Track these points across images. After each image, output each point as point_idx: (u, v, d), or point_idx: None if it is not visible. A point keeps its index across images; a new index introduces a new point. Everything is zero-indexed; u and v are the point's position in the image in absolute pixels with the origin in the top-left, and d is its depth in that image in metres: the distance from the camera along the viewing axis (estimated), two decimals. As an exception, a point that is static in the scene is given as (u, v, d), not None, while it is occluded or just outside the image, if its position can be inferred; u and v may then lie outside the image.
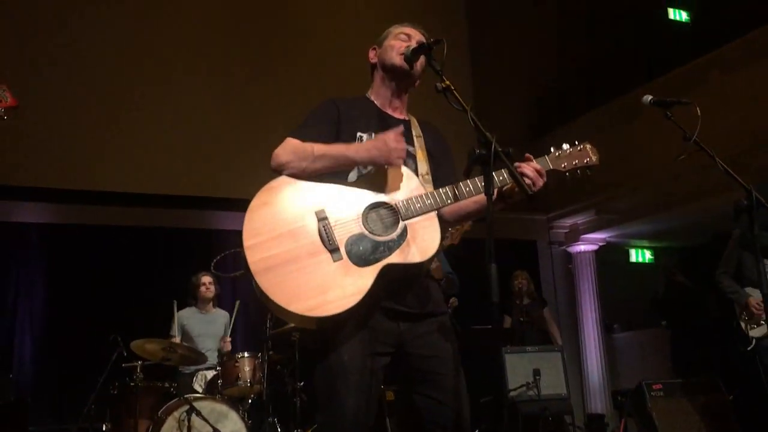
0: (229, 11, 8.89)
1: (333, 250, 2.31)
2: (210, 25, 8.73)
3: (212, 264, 5.96)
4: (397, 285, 2.39)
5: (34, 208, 8.00)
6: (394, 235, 2.35)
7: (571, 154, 2.56)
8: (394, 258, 2.32)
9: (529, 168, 2.42)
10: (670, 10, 12.69)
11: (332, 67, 8.47)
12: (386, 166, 2.44)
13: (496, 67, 10.33)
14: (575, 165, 2.56)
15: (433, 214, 2.41)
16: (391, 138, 2.39)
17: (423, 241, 2.36)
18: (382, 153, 2.38)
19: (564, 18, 11.01)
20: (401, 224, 2.36)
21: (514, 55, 10.52)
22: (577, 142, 2.59)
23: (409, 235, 2.35)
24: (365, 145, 2.42)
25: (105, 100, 7.99)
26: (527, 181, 2.37)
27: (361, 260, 2.31)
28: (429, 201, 2.39)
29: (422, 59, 2.53)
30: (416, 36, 2.63)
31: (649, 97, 3.22)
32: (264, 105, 8.56)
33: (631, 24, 11.25)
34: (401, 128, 2.45)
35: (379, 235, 2.34)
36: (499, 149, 2.13)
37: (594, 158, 2.58)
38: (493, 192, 2.22)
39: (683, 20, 12.78)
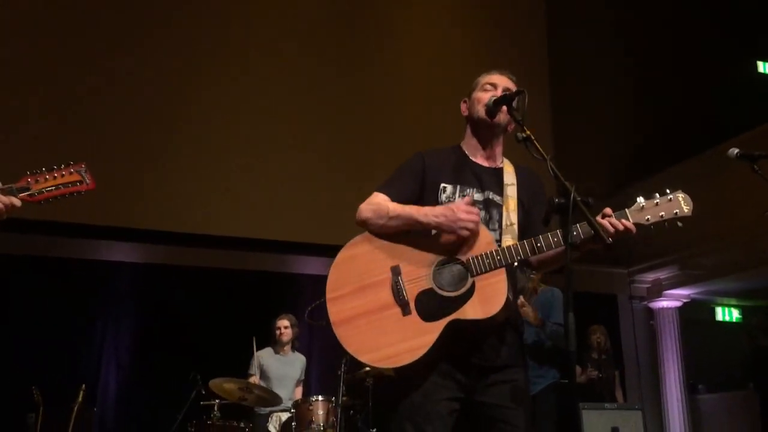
0: (323, 64, 9.09)
1: (403, 304, 2.42)
2: (304, 77, 8.96)
3: (306, 312, 6.09)
4: (469, 336, 2.42)
5: (122, 248, 8.32)
6: (461, 291, 2.40)
7: (658, 205, 2.39)
8: (459, 314, 2.38)
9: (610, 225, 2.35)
10: (760, 64, 12.41)
11: (419, 122, 8.57)
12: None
13: (578, 119, 10.27)
14: (662, 218, 2.38)
15: (502, 270, 2.42)
16: (462, 209, 2.42)
17: (488, 297, 2.39)
18: (449, 220, 2.42)
19: (649, 69, 10.90)
20: (470, 280, 2.41)
21: (597, 107, 10.44)
22: (668, 191, 2.41)
23: (476, 292, 2.39)
24: (435, 211, 2.46)
25: (195, 147, 8.29)
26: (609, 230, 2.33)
27: (428, 315, 2.39)
28: (498, 257, 2.41)
29: (505, 109, 2.56)
30: (502, 83, 2.67)
31: (735, 150, 3.16)
32: (350, 154, 8.72)
33: (719, 77, 11.05)
34: (470, 198, 2.49)
35: (447, 291, 2.41)
36: (578, 198, 2.14)
37: (686, 209, 2.38)
38: (572, 243, 2.22)
39: (774, 74, 12.49)
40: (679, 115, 10.62)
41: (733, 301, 11.28)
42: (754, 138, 8.29)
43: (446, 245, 2.47)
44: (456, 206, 2.43)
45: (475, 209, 2.45)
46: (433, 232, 2.52)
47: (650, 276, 10.40)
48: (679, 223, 2.40)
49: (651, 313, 10.54)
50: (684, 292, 10.31)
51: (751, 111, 9.69)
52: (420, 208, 2.51)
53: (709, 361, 10.43)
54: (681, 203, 2.39)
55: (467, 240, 2.45)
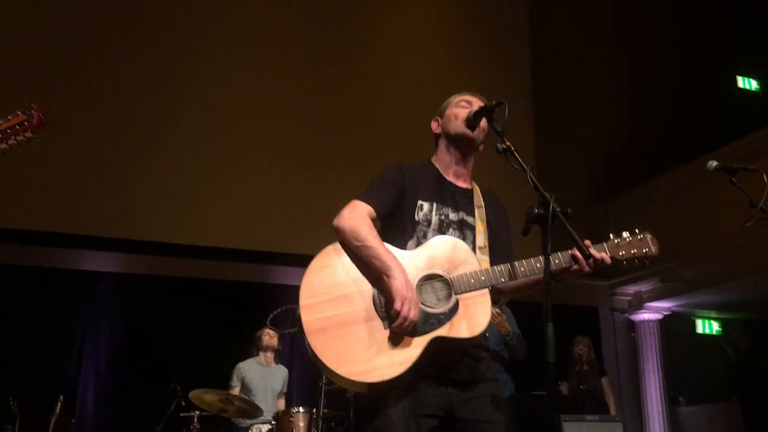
0: (302, 70, 9.10)
1: (384, 317, 2.34)
2: (283, 84, 8.95)
3: (269, 319, 6.05)
4: (447, 354, 2.39)
5: (102, 258, 8.23)
6: (446, 308, 2.36)
7: (630, 243, 2.52)
8: (443, 331, 2.33)
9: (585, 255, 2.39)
10: (740, 79, 12.58)
11: (400, 130, 8.57)
12: (449, 240, 2.49)
13: (560, 131, 10.32)
14: (633, 255, 2.52)
15: (486, 290, 2.41)
16: (412, 309, 2.29)
17: (473, 317, 2.36)
18: (397, 302, 2.28)
19: (631, 83, 10.99)
20: (453, 298, 2.37)
21: (578, 120, 10.51)
22: (637, 231, 2.54)
23: (460, 310, 2.36)
24: (396, 281, 2.31)
25: (175, 157, 8.25)
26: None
27: (411, 330, 2.32)
28: (483, 278, 2.40)
29: (483, 124, 2.56)
30: (476, 102, 2.65)
31: (714, 163, 3.20)
32: (330, 164, 8.70)
33: (699, 91, 11.16)
34: (414, 314, 2.31)
35: (431, 307, 2.36)
36: (558, 209, 2.15)
37: (654, 249, 2.52)
38: (550, 260, 2.23)
39: (753, 89, 12.65)
40: (658, 128, 10.70)
41: (714, 314, 11.36)
42: (732, 151, 8.36)
43: (429, 259, 2.44)
44: (410, 300, 2.29)
45: (414, 318, 2.31)
46: (413, 247, 2.50)
47: (631, 288, 10.45)
48: (647, 262, 2.54)
49: (632, 325, 10.59)
50: (665, 305, 10.37)
51: (730, 125, 9.80)
52: (388, 261, 2.36)
53: (690, 374, 10.49)
54: (649, 243, 2.54)
55: (451, 257, 2.43)
